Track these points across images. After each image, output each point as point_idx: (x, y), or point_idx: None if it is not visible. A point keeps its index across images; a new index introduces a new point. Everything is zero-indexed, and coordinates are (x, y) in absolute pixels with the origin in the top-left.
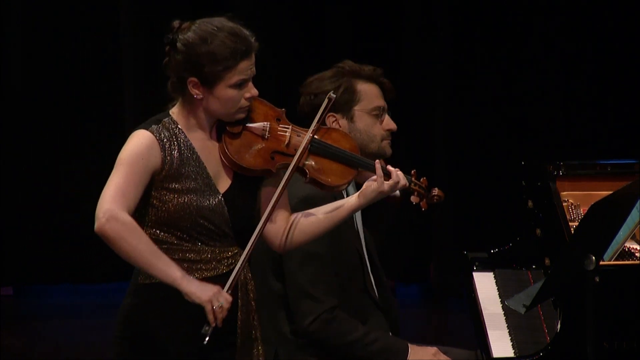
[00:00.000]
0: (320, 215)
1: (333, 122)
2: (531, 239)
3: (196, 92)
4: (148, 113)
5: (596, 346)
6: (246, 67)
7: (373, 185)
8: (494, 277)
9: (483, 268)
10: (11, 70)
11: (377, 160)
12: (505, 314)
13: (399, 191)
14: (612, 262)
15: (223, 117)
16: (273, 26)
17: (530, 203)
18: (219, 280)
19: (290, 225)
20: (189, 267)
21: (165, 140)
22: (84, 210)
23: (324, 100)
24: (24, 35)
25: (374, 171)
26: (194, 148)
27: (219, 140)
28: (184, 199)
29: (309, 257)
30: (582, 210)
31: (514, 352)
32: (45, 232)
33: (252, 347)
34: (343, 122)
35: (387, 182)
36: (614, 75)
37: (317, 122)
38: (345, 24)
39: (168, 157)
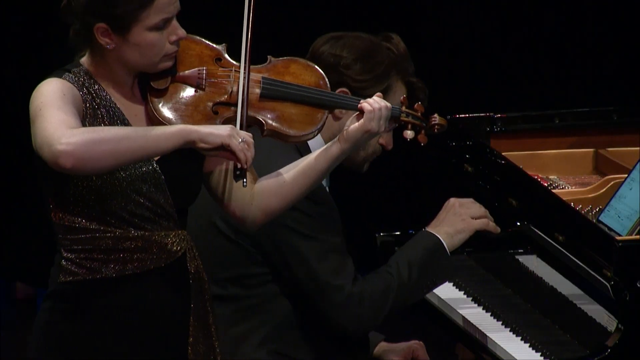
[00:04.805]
0: (294, 173)
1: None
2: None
3: (107, 41)
4: None
5: None
6: (168, 2)
7: (356, 123)
8: None
9: None
10: (11, 68)
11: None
12: (492, 314)
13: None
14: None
15: (145, 69)
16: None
17: (468, 168)
18: (163, 271)
19: (257, 192)
20: (124, 257)
21: (85, 90)
22: None
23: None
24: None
25: (349, 108)
26: (117, 106)
27: (143, 99)
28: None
29: (325, 251)
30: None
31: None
32: (45, 232)
33: (209, 351)
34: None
35: (373, 117)
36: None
37: (248, 42)
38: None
39: (90, 111)
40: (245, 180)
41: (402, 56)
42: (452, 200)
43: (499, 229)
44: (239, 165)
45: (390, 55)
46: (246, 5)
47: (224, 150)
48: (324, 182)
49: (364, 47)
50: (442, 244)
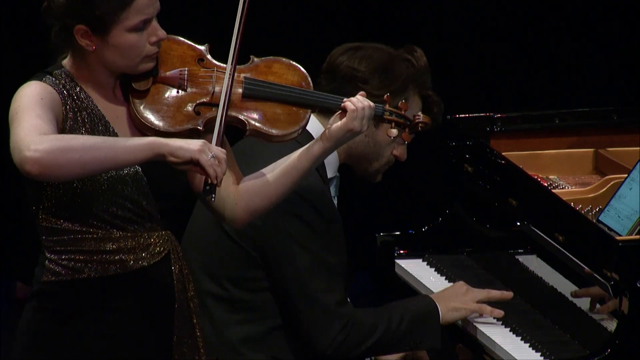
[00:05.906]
0: (277, 173)
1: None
2: (462, 214)
3: (87, 43)
4: None
5: None
6: (147, 3)
7: (339, 122)
8: (430, 265)
9: (408, 255)
10: (10, 68)
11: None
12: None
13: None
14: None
15: (126, 70)
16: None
17: (468, 168)
18: (147, 272)
19: (241, 190)
20: (107, 258)
21: (65, 93)
22: None
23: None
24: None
25: (333, 108)
26: (98, 109)
27: (125, 100)
28: None
29: (319, 268)
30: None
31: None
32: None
33: (193, 351)
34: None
35: (356, 117)
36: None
37: (237, 45)
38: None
39: (70, 114)
40: (214, 195)
41: (421, 70)
42: (462, 282)
43: (502, 313)
44: (209, 181)
45: (408, 69)
46: (240, 8)
47: (193, 165)
48: (332, 192)
49: (382, 61)
50: (439, 312)
